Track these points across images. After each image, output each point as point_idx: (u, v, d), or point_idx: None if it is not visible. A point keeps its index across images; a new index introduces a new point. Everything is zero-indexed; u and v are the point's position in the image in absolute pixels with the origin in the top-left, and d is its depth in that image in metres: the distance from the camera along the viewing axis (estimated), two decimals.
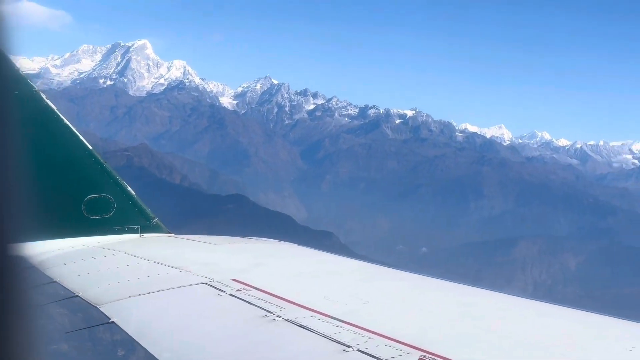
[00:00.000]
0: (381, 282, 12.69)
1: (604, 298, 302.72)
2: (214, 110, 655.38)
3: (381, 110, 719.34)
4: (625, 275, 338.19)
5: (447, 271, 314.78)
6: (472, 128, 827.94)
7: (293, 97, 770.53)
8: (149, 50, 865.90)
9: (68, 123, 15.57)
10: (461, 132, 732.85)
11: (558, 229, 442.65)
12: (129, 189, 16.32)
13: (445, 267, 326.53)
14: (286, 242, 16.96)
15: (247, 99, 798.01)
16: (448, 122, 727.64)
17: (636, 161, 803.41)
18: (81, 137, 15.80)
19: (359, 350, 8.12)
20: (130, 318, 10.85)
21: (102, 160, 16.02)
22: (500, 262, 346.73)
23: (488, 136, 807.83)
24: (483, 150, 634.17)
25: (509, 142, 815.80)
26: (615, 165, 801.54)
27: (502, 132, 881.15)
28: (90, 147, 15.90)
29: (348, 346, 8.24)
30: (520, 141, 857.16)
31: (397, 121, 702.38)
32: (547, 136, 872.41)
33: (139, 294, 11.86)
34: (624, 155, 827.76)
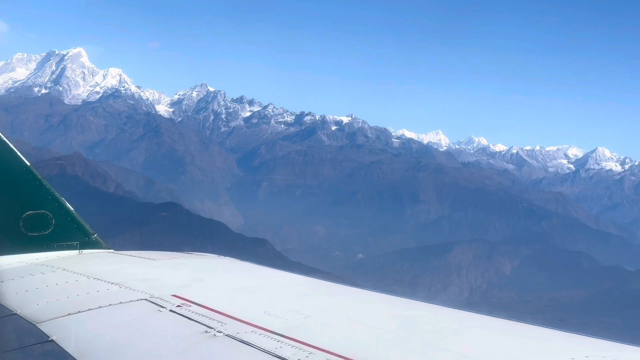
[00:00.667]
0: (322, 296, 12.87)
1: (538, 302, 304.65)
2: (150, 118, 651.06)
3: (317, 117, 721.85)
4: (559, 278, 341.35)
5: (383, 277, 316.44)
6: (409, 134, 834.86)
7: (229, 105, 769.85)
8: (85, 59, 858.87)
9: (4, 139, 15.12)
10: (397, 138, 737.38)
11: (493, 233, 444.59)
12: (68, 205, 15.92)
13: (381, 273, 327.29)
14: (227, 257, 16.97)
15: (184, 106, 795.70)
16: (384, 128, 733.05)
17: (571, 166, 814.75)
18: (19, 153, 15.37)
19: None
20: (70, 336, 10.86)
21: (40, 177, 15.58)
22: (436, 268, 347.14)
23: (425, 142, 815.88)
24: (419, 156, 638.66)
25: (446, 148, 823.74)
26: (550, 169, 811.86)
27: (439, 138, 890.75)
28: (29, 164, 15.45)
29: None
30: (457, 147, 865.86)
31: (333, 128, 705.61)
32: (484, 142, 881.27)
33: (79, 311, 11.71)
34: (559, 160, 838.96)
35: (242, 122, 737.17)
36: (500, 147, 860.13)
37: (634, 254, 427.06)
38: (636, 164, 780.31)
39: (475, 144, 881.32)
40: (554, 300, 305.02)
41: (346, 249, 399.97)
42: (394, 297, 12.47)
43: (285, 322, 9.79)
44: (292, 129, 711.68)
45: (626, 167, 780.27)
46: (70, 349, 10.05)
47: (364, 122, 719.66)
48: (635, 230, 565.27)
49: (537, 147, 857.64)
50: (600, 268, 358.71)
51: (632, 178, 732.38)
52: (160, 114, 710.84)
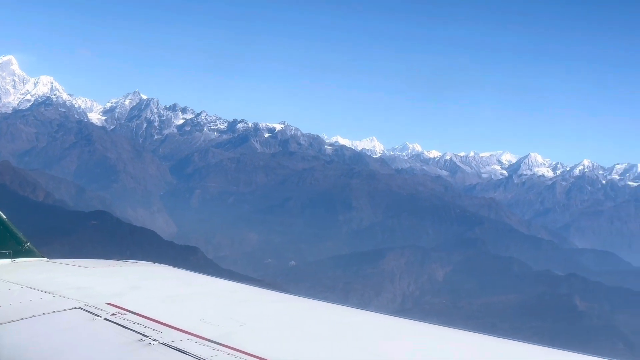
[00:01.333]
0: (258, 303, 12.90)
1: (470, 308, 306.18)
2: (82, 126, 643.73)
3: (250, 124, 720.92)
4: (491, 284, 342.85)
5: (315, 284, 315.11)
6: (343, 141, 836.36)
7: (162, 112, 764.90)
8: (15, 66, 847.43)
9: None
10: (331, 145, 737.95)
11: (426, 240, 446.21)
12: (0, 213, 15.63)
13: (314, 280, 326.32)
14: (162, 265, 16.66)
15: (116, 114, 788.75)
16: (317, 135, 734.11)
17: (504, 171, 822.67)
18: None
19: None
20: (2, 346, 10.89)
21: None
22: (369, 274, 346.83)
23: (359, 149, 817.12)
24: (352, 162, 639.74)
25: (380, 155, 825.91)
26: (484, 175, 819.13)
27: (373, 145, 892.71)
28: None
29: None
30: (391, 153, 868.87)
31: (266, 135, 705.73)
32: (418, 148, 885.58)
33: (11, 321, 11.69)
34: (492, 166, 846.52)
35: (175, 130, 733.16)
36: (434, 154, 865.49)
37: (564, 258, 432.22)
38: (567, 169, 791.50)
39: (409, 151, 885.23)
40: (485, 306, 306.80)
41: (279, 256, 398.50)
42: (330, 304, 12.37)
43: (221, 330, 10.15)
44: (225, 137, 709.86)
45: (558, 172, 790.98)
46: (2, 359, 10.05)
47: (296, 129, 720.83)
48: (566, 235, 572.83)
49: (471, 154, 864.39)
50: (531, 273, 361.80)
51: (564, 183, 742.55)
52: (92, 122, 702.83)
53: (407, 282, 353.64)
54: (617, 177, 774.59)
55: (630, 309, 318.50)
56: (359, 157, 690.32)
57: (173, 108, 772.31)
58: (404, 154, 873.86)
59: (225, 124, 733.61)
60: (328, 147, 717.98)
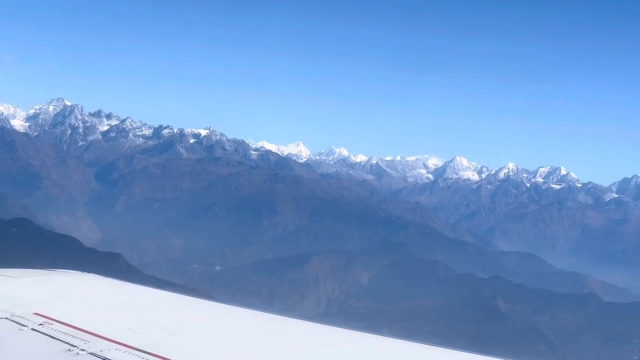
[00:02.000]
0: (187, 312, 12.73)
1: (395, 311, 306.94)
2: (4, 133, 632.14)
3: (175, 130, 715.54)
4: (416, 287, 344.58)
5: (240, 289, 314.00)
6: (269, 146, 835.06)
7: (87, 119, 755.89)
8: None
9: None
10: (256, 150, 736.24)
11: (351, 244, 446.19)
12: None
13: (238, 285, 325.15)
14: (90, 274, 16.26)
15: (40, 121, 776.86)
16: (242, 140, 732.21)
17: (430, 175, 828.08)
18: None
19: None
20: None
21: None
22: (294, 279, 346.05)
23: (286, 153, 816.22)
24: (277, 167, 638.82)
25: (306, 159, 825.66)
26: (410, 179, 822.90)
27: (300, 149, 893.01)
28: None
29: None
30: (318, 158, 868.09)
31: (192, 140, 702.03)
32: (345, 152, 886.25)
33: None
34: (418, 170, 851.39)
35: (100, 136, 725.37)
36: (361, 158, 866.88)
37: (488, 261, 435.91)
38: (493, 172, 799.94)
39: (336, 155, 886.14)
40: (410, 309, 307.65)
41: (204, 262, 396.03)
42: (256, 311, 11.83)
43: (150, 339, 10.26)
44: (150, 143, 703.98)
45: (483, 176, 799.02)
46: None
47: (222, 134, 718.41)
48: (490, 238, 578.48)
49: (398, 158, 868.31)
50: (455, 276, 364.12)
51: (489, 187, 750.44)
52: (15, 129, 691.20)
53: (331, 287, 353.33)
54: (541, 180, 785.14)
55: (552, 310, 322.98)
56: (285, 162, 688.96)
57: (98, 114, 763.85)
58: (330, 158, 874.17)
59: (151, 130, 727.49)
60: (253, 152, 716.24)
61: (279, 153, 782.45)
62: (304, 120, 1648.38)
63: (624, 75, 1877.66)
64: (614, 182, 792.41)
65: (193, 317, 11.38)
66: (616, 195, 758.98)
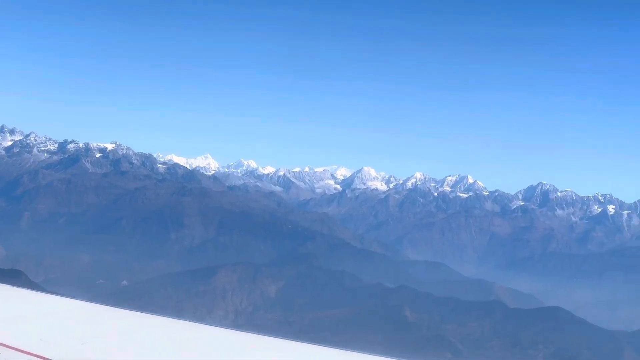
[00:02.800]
0: (100, 321, 12.82)
1: (302, 322, 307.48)
2: None
3: (81, 145, 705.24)
4: (323, 298, 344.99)
5: (147, 303, 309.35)
6: (177, 159, 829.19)
7: None
8: None
9: None
10: (163, 163, 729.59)
11: (259, 256, 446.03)
12: None
13: (146, 299, 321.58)
14: (1, 284, 16.73)
15: None
16: (149, 154, 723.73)
17: (338, 186, 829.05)
18: None
19: None
20: None
21: None
22: (201, 292, 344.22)
23: (194, 166, 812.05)
24: (185, 180, 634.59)
25: (214, 172, 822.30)
26: (318, 190, 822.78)
27: (208, 162, 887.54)
28: None
29: None
30: (226, 170, 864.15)
31: (98, 155, 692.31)
32: (253, 164, 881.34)
33: None
34: (326, 181, 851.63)
35: (3, 152, 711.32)
36: (269, 170, 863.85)
37: (396, 270, 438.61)
38: (400, 182, 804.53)
39: (244, 167, 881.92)
40: (317, 320, 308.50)
41: (111, 276, 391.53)
42: (171, 319, 11.87)
43: (62, 349, 10.22)
44: (55, 157, 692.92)
45: (391, 185, 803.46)
46: None
47: (128, 148, 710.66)
48: (398, 248, 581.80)
49: (306, 169, 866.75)
50: (363, 286, 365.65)
51: (397, 196, 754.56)
52: None
53: (239, 299, 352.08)
54: (449, 188, 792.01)
55: (459, 318, 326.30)
56: (192, 175, 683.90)
57: (0, 130, 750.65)
58: (238, 170, 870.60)
59: (56, 145, 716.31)
60: (161, 165, 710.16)
61: (187, 166, 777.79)
62: (213, 133, 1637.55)
63: (527, 84, 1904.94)
64: (520, 190, 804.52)
65: (106, 326, 10.49)
66: (522, 203, 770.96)
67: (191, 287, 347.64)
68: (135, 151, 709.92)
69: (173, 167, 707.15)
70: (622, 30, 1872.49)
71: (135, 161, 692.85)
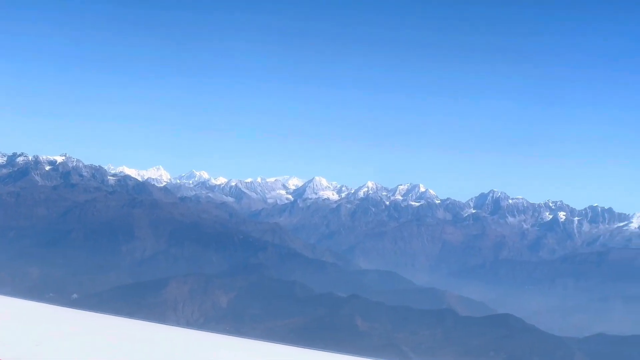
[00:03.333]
0: (55, 321, 12.31)
1: (253, 333, 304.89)
2: None
3: (30, 158, 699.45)
4: (274, 308, 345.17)
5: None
6: (129, 171, 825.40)
7: None
8: None
9: None
10: (114, 175, 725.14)
11: (210, 267, 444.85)
12: None
13: (96, 312, 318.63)
14: None
15: None
16: (99, 166, 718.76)
17: (290, 196, 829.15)
18: None
19: None
20: None
21: None
22: (152, 304, 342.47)
23: (146, 178, 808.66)
24: (136, 192, 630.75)
25: (166, 183, 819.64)
26: (270, 201, 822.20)
27: (160, 174, 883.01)
28: None
29: None
30: (178, 181, 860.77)
31: (47, 167, 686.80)
32: (205, 175, 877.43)
33: None
34: (278, 191, 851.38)
35: None
36: (221, 180, 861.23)
37: (348, 280, 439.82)
38: (352, 191, 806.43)
39: (196, 178, 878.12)
40: (268, 330, 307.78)
41: (61, 290, 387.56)
42: (130, 320, 12.14)
43: (15, 350, 10.41)
44: (4, 171, 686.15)
45: (343, 195, 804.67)
46: None
47: (78, 160, 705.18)
48: (350, 257, 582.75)
49: (259, 179, 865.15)
50: (314, 296, 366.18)
51: (348, 206, 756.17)
52: None
53: (190, 310, 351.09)
54: (400, 197, 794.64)
55: (411, 326, 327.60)
56: (143, 187, 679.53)
57: None
58: (190, 181, 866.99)
59: (5, 158, 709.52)
60: (111, 177, 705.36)
61: (139, 178, 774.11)
62: (166, 144, 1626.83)
63: (476, 92, 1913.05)
64: (472, 198, 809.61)
65: (61, 326, 10.49)
66: (474, 211, 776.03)
67: (142, 300, 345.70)
68: (86, 163, 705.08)
69: (124, 179, 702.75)
70: (564, 35, 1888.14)
71: (85, 173, 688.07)
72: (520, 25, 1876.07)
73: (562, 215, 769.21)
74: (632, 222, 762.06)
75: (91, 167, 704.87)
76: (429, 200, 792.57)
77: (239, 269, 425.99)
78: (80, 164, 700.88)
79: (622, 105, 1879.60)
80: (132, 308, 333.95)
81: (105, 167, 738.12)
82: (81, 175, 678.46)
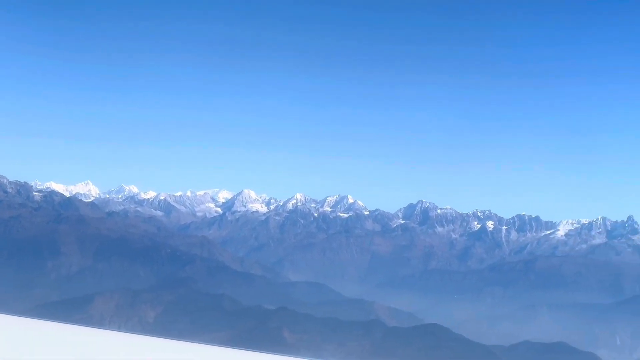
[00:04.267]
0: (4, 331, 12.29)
1: None
2: None
3: None
4: (202, 321, 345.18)
5: None
6: (56, 186, 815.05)
7: None
8: None
9: None
10: (40, 191, 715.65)
11: (138, 282, 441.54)
12: None
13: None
14: None
15: None
16: (25, 182, 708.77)
17: (219, 209, 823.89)
18: None
19: None
20: None
21: None
22: (78, 320, 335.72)
23: (74, 193, 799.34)
24: (62, 208, 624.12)
25: (95, 198, 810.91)
26: (199, 214, 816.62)
27: (89, 189, 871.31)
28: None
29: None
30: (107, 196, 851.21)
31: None
32: (135, 190, 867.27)
33: None
34: (207, 204, 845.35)
35: None
36: (150, 194, 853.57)
37: (276, 292, 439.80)
38: (281, 204, 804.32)
39: (125, 193, 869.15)
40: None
41: None
42: (75, 326, 12.14)
43: None
44: None
45: (271, 207, 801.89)
46: None
47: (2, 177, 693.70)
48: (279, 270, 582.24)
49: (188, 193, 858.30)
50: (242, 309, 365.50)
51: (277, 218, 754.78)
52: None
53: (117, 326, 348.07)
54: (329, 209, 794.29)
55: (339, 338, 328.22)
56: (69, 202, 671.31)
57: None
58: (120, 196, 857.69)
59: None
60: (37, 193, 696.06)
61: (67, 193, 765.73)
62: (95, 159, 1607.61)
63: (397, 102, 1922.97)
64: (400, 209, 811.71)
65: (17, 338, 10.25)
66: (402, 221, 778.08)
67: (68, 316, 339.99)
68: (10, 179, 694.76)
69: (50, 195, 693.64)
70: (484, 42, 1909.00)
71: (10, 190, 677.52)
72: (444, 34, 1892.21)
73: (490, 224, 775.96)
74: (558, 229, 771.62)
75: (16, 183, 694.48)
76: (357, 211, 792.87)
77: (166, 283, 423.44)
78: (5, 180, 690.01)
79: (547, 114, 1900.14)
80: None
81: (32, 183, 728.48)
82: (5, 192, 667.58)
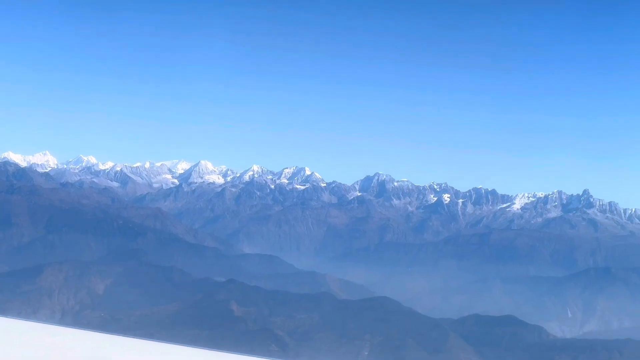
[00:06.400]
0: None
1: (129, 319, 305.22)
2: None
3: None
4: (151, 294, 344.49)
5: None
6: (14, 156, 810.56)
7: None
8: None
9: None
10: None
11: (89, 253, 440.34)
12: None
13: None
14: None
15: None
16: None
17: (176, 180, 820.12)
18: None
19: None
20: None
21: None
22: (27, 292, 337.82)
23: (32, 163, 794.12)
24: (15, 178, 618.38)
25: (52, 168, 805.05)
26: (155, 185, 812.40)
27: (47, 159, 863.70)
28: None
29: None
30: (64, 167, 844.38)
31: None
32: (93, 160, 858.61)
33: None
34: (164, 175, 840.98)
35: None
36: (108, 165, 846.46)
37: (228, 265, 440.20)
38: (237, 175, 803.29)
39: (83, 163, 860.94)
40: (144, 317, 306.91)
41: None
42: (41, 324, 12.29)
43: None
44: None
45: (228, 179, 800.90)
46: None
47: None
48: (234, 242, 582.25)
49: (147, 164, 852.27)
50: (191, 281, 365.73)
51: (233, 190, 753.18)
52: None
53: (66, 297, 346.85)
54: (286, 181, 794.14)
55: (287, 310, 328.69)
56: (24, 173, 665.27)
57: None
58: (77, 167, 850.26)
59: None
60: None
61: (24, 163, 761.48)
62: (53, 128, 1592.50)
63: (361, 77, 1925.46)
64: (357, 181, 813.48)
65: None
66: (359, 194, 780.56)
67: (16, 287, 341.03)
68: None
69: (3, 165, 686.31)
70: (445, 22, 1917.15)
71: None
72: (394, 14, 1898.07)
73: (446, 197, 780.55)
74: (514, 203, 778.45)
75: None
76: (314, 183, 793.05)
77: (117, 255, 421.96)
78: None
79: (504, 91, 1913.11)
80: (6, 296, 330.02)
81: None
82: None
